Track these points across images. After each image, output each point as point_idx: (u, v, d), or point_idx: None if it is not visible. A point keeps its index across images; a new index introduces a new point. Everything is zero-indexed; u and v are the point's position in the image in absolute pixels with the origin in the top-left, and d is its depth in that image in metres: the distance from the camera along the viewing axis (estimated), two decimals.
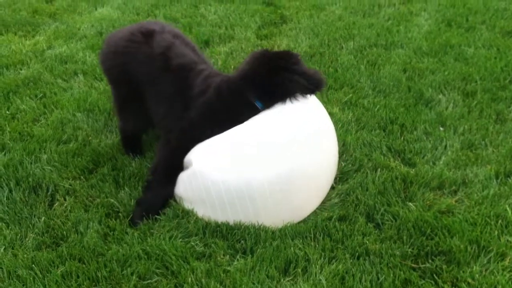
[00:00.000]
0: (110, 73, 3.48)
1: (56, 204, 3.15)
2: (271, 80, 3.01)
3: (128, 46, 3.33)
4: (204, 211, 2.94)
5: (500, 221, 2.88)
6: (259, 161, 2.85)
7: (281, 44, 5.19)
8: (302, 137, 2.95)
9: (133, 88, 3.33)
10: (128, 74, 3.32)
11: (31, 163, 3.45)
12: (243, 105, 3.04)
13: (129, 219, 3.01)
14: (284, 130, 2.94)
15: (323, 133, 3.10)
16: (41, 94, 4.37)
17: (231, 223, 2.89)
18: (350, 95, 4.17)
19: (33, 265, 2.70)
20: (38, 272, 2.66)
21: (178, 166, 3.05)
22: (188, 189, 2.98)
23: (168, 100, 3.22)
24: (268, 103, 3.03)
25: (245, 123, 2.98)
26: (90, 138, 3.74)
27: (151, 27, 3.41)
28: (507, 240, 2.76)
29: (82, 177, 3.35)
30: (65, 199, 3.17)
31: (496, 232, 2.81)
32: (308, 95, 3.05)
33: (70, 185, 3.27)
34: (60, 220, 3.01)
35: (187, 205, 3.01)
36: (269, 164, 2.84)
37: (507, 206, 2.98)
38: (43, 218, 3.02)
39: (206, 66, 3.30)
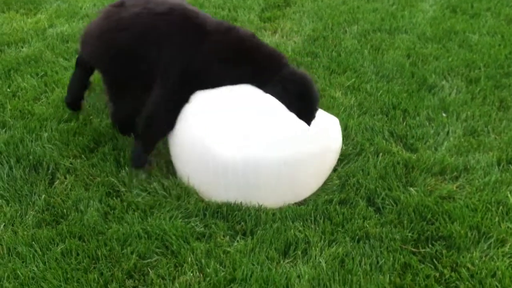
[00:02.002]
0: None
1: (57, 182, 3.14)
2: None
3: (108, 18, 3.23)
4: (207, 188, 2.95)
5: (501, 208, 2.88)
6: (268, 141, 2.85)
7: (284, 27, 5.15)
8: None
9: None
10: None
11: (31, 141, 3.44)
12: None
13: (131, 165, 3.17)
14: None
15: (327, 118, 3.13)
16: (42, 73, 4.35)
17: (232, 200, 2.91)
18: (353, 79, 4.15)
19: (33, 242, 2.70)
20: (38, 249, 2.66)
21: (174, 120, 3.06)
22: (195, 164, 2.98)
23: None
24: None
25: (257, 102, 3.00)
26: (91, 117, 3.72)
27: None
28: (508, 227, 2.76)
29: (83, 156, 3.34)
30: (65, 178, 3.16)
31: (496, 219, 2.81)
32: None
33: (71, 163, 3.26)
34: (61, 198, 3.01)
35: (191, 181, 3.02)
36: (278, 145, 2.85)
37: (508, 192, 2.97)
38: (43, 196, 3.01)
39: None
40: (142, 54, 3.09)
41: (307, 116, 3.02)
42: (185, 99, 3.05)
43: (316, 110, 3.09)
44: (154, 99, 3.10)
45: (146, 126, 3.17)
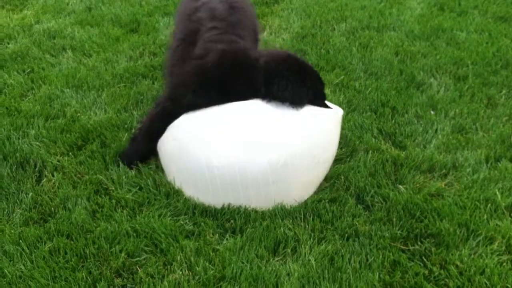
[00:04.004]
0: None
1: (44, 180, 3.11)
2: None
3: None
4: (194, 192, 2.93)
5: (489, 205, 2.89)
6: (256, 149, 2.81)
7: (273, 24, 5.14)
8: (302, 126, 2.93)
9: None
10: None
11: (18, 138, 3.41)
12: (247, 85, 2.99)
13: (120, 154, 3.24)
14: (284, 120, 2.91)
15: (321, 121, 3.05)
16: (29, 69, 4.31)
17: (220, 206, 2.89)
18: (342, 77, 4.15)
19: (20, 241, 2.68)
20: (25, 248, 2.64)
21: (160, 130, 3.05)
22: (182, 169, 2.94)
23: (173, 52, 3.30)
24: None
25: (245, 107, 2.93)
26: (78, 114, 3.69)
27: None
28: (496, 224, 2.78)
29: (70, 153, 3.31)
30: (53, 175, 3.14)
31: (485, 216, 2.82)
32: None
33: (58, 161, 3.23)
34: (48, 196, 2.98)
35: (178, 185, 2.99)
36: (264, 153, 2.80)
37: (496, 190, 2.99)
38: (30, 194, 2.99)
39: (221, 26, 3.24)
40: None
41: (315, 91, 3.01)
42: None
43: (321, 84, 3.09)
44: (154, 111, 3.26)
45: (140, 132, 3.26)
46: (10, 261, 2.59)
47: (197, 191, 2.92)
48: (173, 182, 3.02)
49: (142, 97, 3.88)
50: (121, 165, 3.18)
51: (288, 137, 2.85)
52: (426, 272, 2.54)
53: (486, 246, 2.66)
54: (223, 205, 2.88)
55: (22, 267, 2.55)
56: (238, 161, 2.79)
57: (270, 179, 2.81)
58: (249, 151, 2.80)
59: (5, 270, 2.53)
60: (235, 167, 2.78)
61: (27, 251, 2.63)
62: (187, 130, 2.95)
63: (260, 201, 2.87)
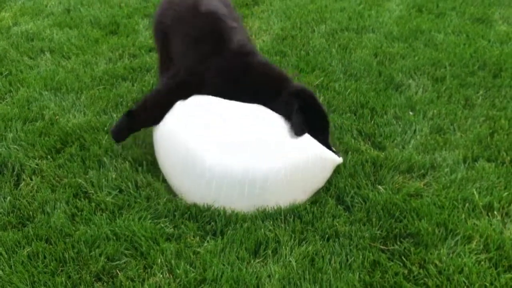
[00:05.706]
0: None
1: (22, 184, 3.08)
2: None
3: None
4: (187, 189, 2.94)
5: (467, 205, 2.92)
6: (260, 153, 2.82)
7: (253, 25, 5.15)
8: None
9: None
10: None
11: None
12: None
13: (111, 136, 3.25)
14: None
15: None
16: (7, 72, 4.27)
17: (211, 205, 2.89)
18: (322, 78, 4.17)
19: None
20: (3, 253, 2.61)
21: (168, 105, 3.04)
22: (179, 164, 2.93)
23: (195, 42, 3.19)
24: None
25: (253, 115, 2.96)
26: (57, 117, 3.66)
27: None
28: (474, 223, 2.81)
29: (49, 156, 3.28)
30: (31, 179, 3.11)
31: (463, 215, 2.85)
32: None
33: (37, 164, 3.20)
34: (26, 200, 2.95)
35: (173, 181, 3.02)
36: (269, 158, 2.82)
37: (474, 190, 3.02)
38: (8, 198, 2.96)
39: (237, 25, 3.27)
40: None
41: (321, 129, 3.04)
42: (184, 97, 3.05)
43: (327, 123, 3.10)
44: (158, 86, 3.24)
45: (142, 107, 3.18)
46: None
47: (186, 187, 2.93)
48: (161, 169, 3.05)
49: (121, 99, 3.87)
50: (104, 166, 3.18)
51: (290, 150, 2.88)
52: (406, 271, 2.56)
53: (465, 245, 2.69)
54: (203, 207, 2.87)
55: (0, 272, 2.52)
56: (239, 164, 2.79)
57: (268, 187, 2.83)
58: (252, 156, 2.81)
59: None
60: (237, 170, 2.79)
61: (5, 256, 2.60)
62: (186, 124, 2.96)
63: (248, 204, 2.88)
